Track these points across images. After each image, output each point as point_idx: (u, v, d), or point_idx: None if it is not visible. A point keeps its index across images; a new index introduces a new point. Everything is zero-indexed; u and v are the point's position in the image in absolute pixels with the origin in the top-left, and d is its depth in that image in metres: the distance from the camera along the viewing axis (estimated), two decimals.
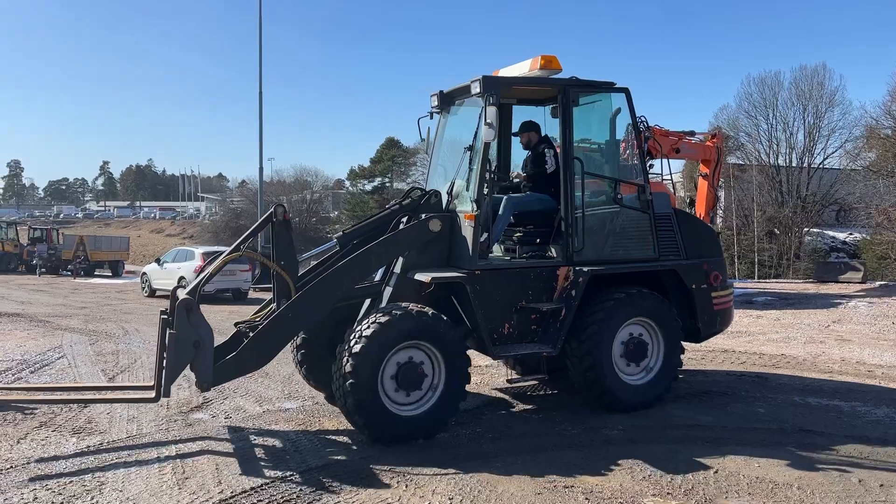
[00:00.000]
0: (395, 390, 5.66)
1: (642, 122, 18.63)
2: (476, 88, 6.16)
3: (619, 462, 5.18)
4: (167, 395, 5.64)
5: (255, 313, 6.39)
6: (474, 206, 6.11)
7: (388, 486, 4.79)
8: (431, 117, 7.18)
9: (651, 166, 18.24)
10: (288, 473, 4.98)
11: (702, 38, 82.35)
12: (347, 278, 6.12)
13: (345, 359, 5.50)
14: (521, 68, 6.68)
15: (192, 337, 5.53)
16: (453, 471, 5.03)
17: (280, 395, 7.41)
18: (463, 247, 6.18)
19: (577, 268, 6.32)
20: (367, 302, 6.46)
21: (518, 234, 6.67)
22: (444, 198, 6.63)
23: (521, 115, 7.61)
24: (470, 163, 6.56)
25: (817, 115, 38.16)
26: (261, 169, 31.71)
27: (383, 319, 5.54)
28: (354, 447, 5.61)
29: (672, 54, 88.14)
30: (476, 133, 6.46)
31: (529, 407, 6.72)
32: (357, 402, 5.46)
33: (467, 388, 5.95)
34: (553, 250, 6.60)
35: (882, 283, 20.95)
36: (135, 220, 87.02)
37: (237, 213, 60.07)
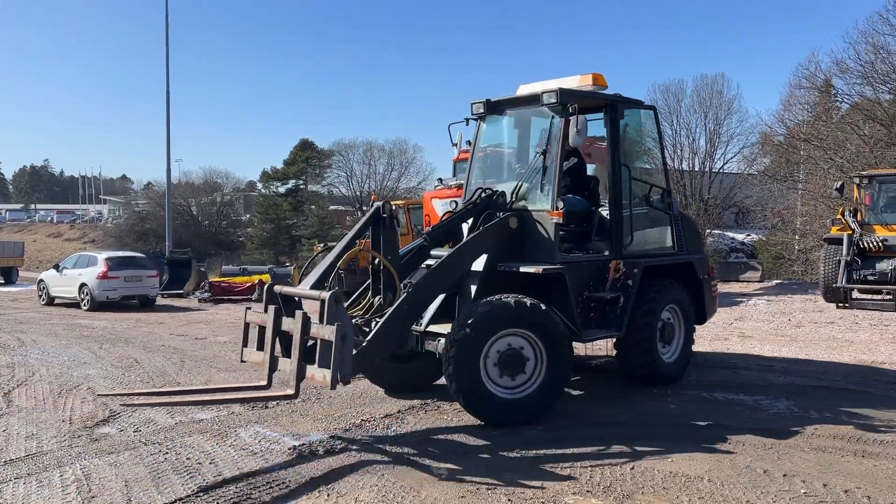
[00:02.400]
0: (500, 375, 6.09)
1: (469, 126, 19.03)
2: (552, 98, 6.75)
3: (540, 462, 5.26)
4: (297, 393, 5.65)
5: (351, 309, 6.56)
6: (559, 204, 6.68)
7: (309, 496, 4.69)
8: (467, 123, 7.86)
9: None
10: (203, 487, 4.81)
11: (611, 42, 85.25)
12: (449, 272, 6.57)
13: (449, 347, 5.91)
14: (570, 82, 7.32)
15: (347, 329, 5.59)
16: (375, 478, 4.97)
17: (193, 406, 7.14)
18: (544, 242, 6.75)
19: (630, 260, 7.12)
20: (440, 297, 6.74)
21: (561, 233, 6.96)
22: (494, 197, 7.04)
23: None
24: (545, 165, 6.92)
25: (717, 122, 40.01)
26: (168, 170, 30.81)
27: (483, 309, 6.00)
28: (273, 458, 5.45)
29: (581, 60, 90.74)
30: (549, 138, 6.94)
31: (448, 411, 6.71)
32: (461, 387, 5.92)
33: (381, 393, 6.30)
34: (599, 246, 7.27)
35: (778, 281, 22.16)
36: (29, 223, 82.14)
37: (142, 217, 57.77)
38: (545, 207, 6.81)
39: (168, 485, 4.87)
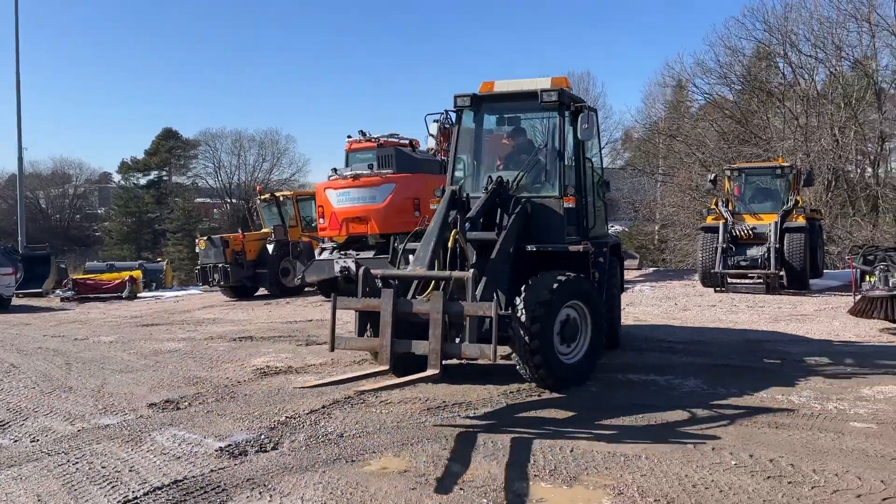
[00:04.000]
0: (561, 343, 6.80)
1: (447, 118, 19.07)
2: (552, 97, 7.42)
3: (480, 451, 5.22)
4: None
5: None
6: (572, 191, 7.48)
7: (249, 497, 4.43)
8: (446, 116, 8.51)
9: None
10: (129, 498, 4.43)
11: (474, 37, 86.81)
12: (507, 255, 7.02)
13: (529, 322, 6.37)
14: (544, 83, 7.77)
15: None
16: (317, 476, 4.77)
17: (94, 411, 6.60)
18: (555, 225, 7.41)
19: (595, 240, 7.82)
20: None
21: None
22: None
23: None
24: (550, 157, 7.74)
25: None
26: (20, 159, 28.25)
27: (554, 286, 6.57)
28: (200, 461, 5.11)
29: (445, 56, 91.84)
30: (556, 132, 7.71)
31: (374, 404, 6.57)
32: (543, 358, 6.47)
33: (304, 386, 6.59)
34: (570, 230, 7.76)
35: (654, 268, 23.44)
36: None
37: None
38: (554, 194, 7.52)
39: (88, 497, 4.47)
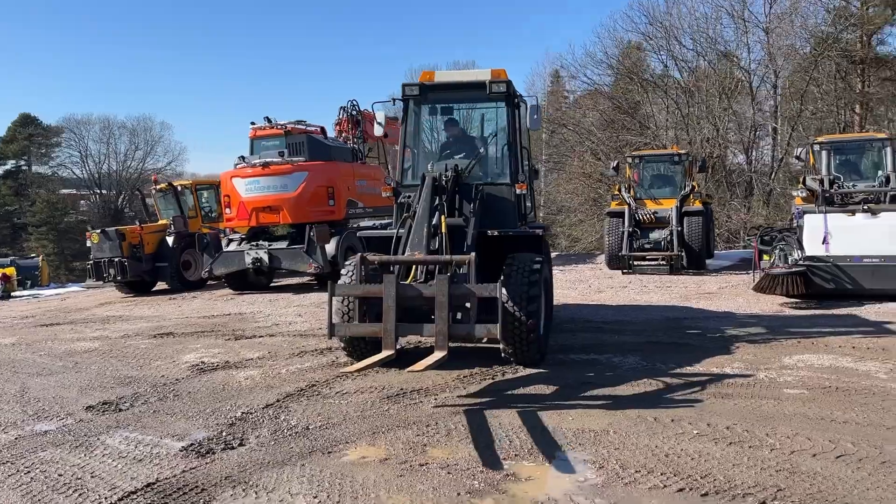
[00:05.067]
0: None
1: (354, 105, 18.85)
2: (501, 88, 7.59)
3: (453, 435, 5.28)
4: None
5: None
6: (523, 177, 7.83)
7: (234, 495, 4.28)
8: (394, 103, 8.24)
9: (369, 150, 18.60)
10: None
11: (362, 28, 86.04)
12: (475, 236, 7.16)
13: (525, 304, 6.62)
14: (485, 74, 7.84)
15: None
16: (297, 469, 4.68)
17: (24, 417, 6.16)
18: (508, 211, 7.68)
19: (538, 225, 8.13)
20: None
21: None
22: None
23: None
24: (502, 146, 8.01)
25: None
26: None
27: (537, 268, 6.87)
28: (166, 462, 4.88)
29: (339, 44, 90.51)
30: (504, 121, 7.96)
31: (330, 396, 6.48)
32: (536, 336, 6.78)
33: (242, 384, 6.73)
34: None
35: (556, 253, 24.16)
36: None
37: None
38: (506, 181, 7.77)
39: None
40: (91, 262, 17.33)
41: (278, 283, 16.81)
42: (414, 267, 6.63)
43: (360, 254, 6.63)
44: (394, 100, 8.14)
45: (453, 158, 7.88)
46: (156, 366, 7.96)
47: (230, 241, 15.62)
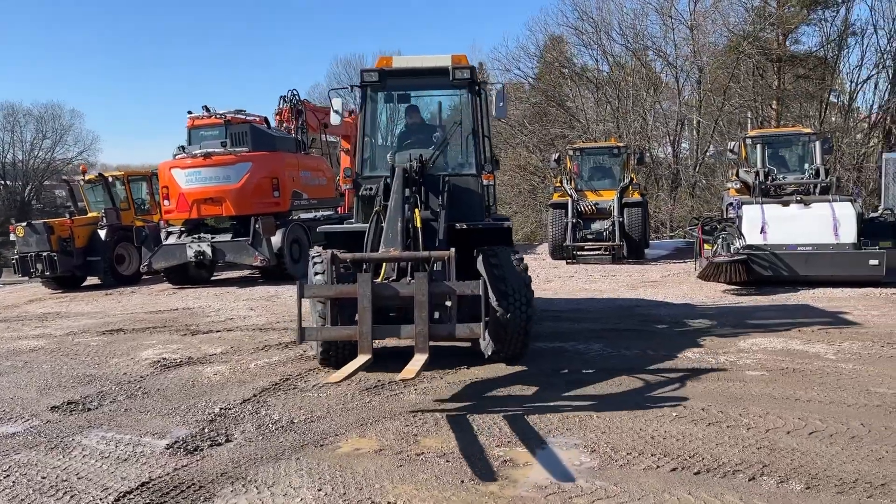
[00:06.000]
0: None
1: (294, 96, 18.62)
2: (465, 75, 7.38)
3: (442, 425, 5.32)
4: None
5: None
6: (490, 168, 7.71)
7: (234, 491, 4.22)
8: (351, 90, 7.91)
9: (313, 140, 18.41)
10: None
11: (292, 14, 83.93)
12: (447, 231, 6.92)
13: (520, 304, 6.51)
14: (444, 60, 7.56)
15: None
16: (293, 462, 4.64)
17: None
18: (476, 202, 7.47)
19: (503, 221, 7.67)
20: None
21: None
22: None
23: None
24: (466, 135, 7.65)
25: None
26: None
27: (524, 268, 6.75)
28: (154, 461, 4.76)
29: (263, 32, 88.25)
30: (468, 109, 7.65)
31: (307, 389, 6.42)
32: (527, 332, 6.73)
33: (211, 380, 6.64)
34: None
35: None
36: None
37: None
38: (472, 172, 7.53)
39: None
40: (16, 256, 16.48)
41: (219, 277, 16.42)
42: (384, 265, 6.34)
43: (330, 251, 6.21)
44: (352, 87, 7.80)
45: (415, 148, 7.59)
46: (114, 363, 7.69)
47: (169, 233, 15.15)
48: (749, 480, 4.14)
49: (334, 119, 7.99)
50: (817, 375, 6.32)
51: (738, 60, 29.35)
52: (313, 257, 7.08)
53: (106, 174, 18.75)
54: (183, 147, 14.95)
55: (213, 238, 14.49)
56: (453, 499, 4.05)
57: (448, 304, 5.88)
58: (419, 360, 5.49)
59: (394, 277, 6.20)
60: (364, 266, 6.23)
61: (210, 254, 14.26)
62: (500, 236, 7.35)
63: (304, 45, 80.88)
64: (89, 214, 17.89)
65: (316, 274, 6.75)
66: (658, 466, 4.40)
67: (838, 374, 6.36)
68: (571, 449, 4.77)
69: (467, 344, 7.46)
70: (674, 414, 5.37)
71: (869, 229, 12.23)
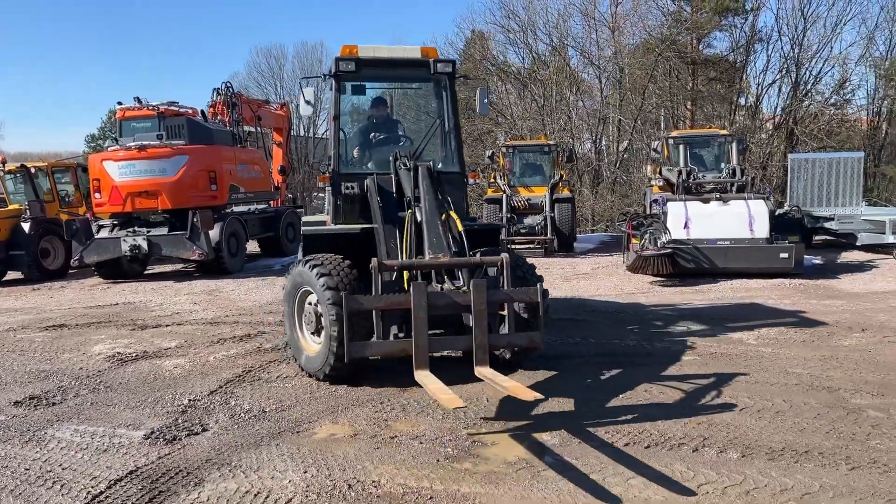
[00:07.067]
0: None
1: (229, 89, 18.50)
2: (447, 68, 7.15)
3: (409, 410, 5.63)
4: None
5: None
6: (474, 166, 6.99)
7: (222, 475, 4.44)
8: (324, 80, 7.25)
9: (249, 134, 18.34)
10: (94, 494, 4.20)
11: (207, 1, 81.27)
12: None
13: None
14: (413, 52, 7.37)
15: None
16: (273, 449, 4.89)
17: None
18: (459, 201, 7.04)
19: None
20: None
21: None
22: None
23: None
24: (446, 130, 7.38)
25: (320, 90, 42.52)
26: None
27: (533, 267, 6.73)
28: (135, 451, 4.92)
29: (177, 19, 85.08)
30: (448, 103, 7.37)
31: (271, 380, 6.62)
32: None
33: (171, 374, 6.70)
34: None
35: None
36: None
37: None
38: (456, 170, 7.30)
39: (43, 499, 4.14)
40: None
41: (153, 271, 16.16)
42: (405, 272, 5.90)
43: (375, 259, 5.64)
44: (324, 76, 7.32)
45: (391, 144, 7.40)
46: (66, 358, 7.65)
47: (101, 227, 14.82)
48: (693, 451, 4.66)
49: (305, 110, 7.53)
50: (742, 358, 6.98)
51: (656, 62, 30.67)
52: (320, 262, 6.20)
53: (29, 164, 18.07)
54: (116, 139, 14.67)
55: (148, 232, 14.29)
56: (432, 475, 4.40)
57: (502, 312, 5.60)
58: (504, 377, 5.17)
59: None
60: (411, 273, 5.86)
61: (146, 248, 14.06)
62: (491, 237, 7.15)
63: (221, 34, 78.76)
64: (10, 207, 17.25)
65: (321, 276, 6.04)
66: (613, 442, 4.87)
67: (760, 357, 7.04)
68: (535, 430, 5.18)
69: None
70: (621, 395, 5.88)
71: (779, 225, 13.29)
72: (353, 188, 6.93)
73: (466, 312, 5.49)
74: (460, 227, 6.35)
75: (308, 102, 7.34)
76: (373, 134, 7.70)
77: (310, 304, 6.40)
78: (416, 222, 6.27)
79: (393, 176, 6.84)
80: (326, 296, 5.90)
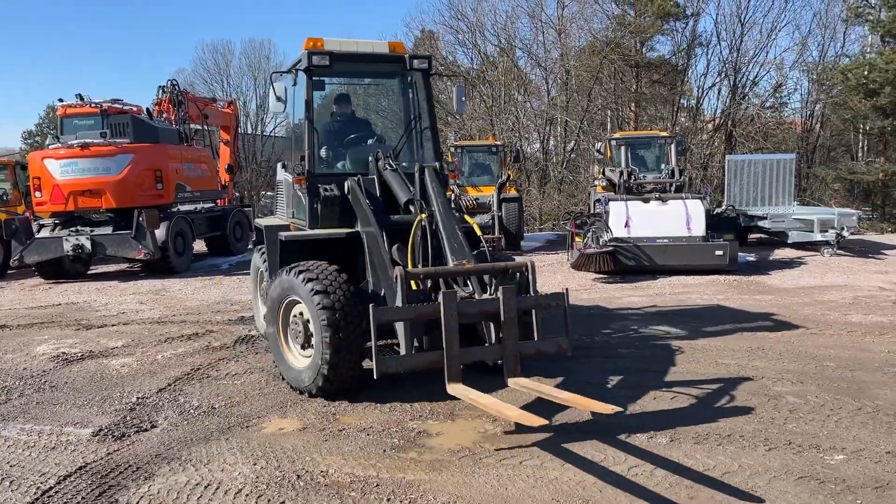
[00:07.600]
0: None
1: (175, 86, 18.31)
2: (424, 64, 6.88)
3: (357, 404, 5.80)
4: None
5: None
6: (452, 166, 7.27)
7: (173, 470, 4.54)
8: (296, 75, 6.87)
9: (196, 132, 18.16)
10: (43, 490, 4.26)
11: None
12: None
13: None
14: (381, 46, 7.04)
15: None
16: (223, 443, 5.00)
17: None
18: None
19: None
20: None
21: None
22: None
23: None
24: (423, 128, 7.06)
25: (267, 87, 42.10)
26: None
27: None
28: (84, 447, 4.97)
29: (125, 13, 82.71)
30: (425, 101, 7.04)
31: (220, 378, 6.70)
32: None
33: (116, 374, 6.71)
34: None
35: None
36: None
37: None
38: (434, 166, 6.84)
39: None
40: None
41: (96, 271, 15.87)
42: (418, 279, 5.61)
43: (399, 267, 5.36)
44: (295, 70, 6.94)
45: (365, 142, 7.16)
46: (9, 359, 7.57)
47: (41, 226, 14.52)
48: (626, 437, 4.95)
49: (276, 107, 6.90)
50: (676, 350, 7.34)
51: (601, 64, 31.37)
52: (305, 268, 5.91)
53: None
54: (57, 137, 14.38)
55: (92, 231, 14.06)
56: (379, 465, 4.58)
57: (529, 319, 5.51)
58: (531, 385, 5.18)
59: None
60: (440, 281, 5.59)
61: (89, 247, 13.83)
62: (472, 240, 6.92)
63: (166, 30, 77.08)
64: None
65: (308, 281, 5.76)
66: (554, 432, 5.12)
67: (693, 348, 7.41)
68: (477, 419, 5.41)
69: None
70: (558, 384, 6.14)
71: (715, 224, 13.85)
72: (332, 190, 6.49)
73: (494, 321, 5.40)
74: (478, 232, 6.25)
75: (280, 99, 6.75)
76: (344, 133, 7.37)
77: (296, 315, 6.06)
78: (422, 226, 5.96)
79: (376, 177, 6.57)
80: (316, 300, 5.60)
